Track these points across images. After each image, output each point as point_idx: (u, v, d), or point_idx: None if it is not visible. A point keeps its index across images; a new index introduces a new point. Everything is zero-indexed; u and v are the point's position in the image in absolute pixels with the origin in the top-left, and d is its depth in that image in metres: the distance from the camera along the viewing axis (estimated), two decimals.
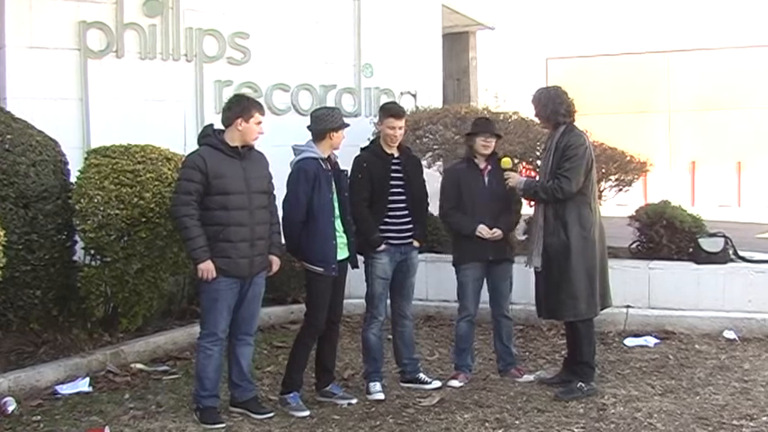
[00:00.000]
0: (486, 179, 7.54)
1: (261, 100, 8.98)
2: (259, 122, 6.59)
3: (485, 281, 7.68)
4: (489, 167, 7.55)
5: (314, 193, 6.75)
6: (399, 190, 7.30)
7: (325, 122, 6.92)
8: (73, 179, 7.99)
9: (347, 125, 6.99)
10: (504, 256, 7.58)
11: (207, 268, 6.41)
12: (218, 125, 6.70)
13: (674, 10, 25.14)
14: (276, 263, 6.83)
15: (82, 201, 7.63)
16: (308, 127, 6.98)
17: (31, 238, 7.58)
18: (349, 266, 7.12)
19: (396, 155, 7.35)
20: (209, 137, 6.62)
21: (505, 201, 7.51)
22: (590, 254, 7.11)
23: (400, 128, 7.34)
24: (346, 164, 7.19)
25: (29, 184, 7.60)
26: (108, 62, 9.75)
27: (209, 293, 6.54)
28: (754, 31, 24.51)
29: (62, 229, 7.87)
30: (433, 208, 7.99)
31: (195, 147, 6.69)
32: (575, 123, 7.29)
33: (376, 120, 10.30)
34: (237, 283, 6.55)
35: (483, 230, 7.43)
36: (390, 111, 7.36)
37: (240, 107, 6.61)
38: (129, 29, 9.86)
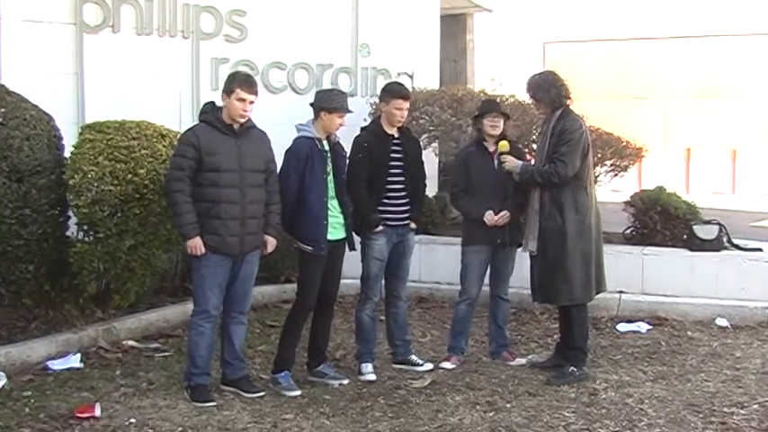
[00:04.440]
0: (496, 162, 7.49)
1: (257, 78, 8.94)
2: (241, 99, 6.45)
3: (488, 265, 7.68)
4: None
5: (306, 172, 6.73)
6: (398, 171, 7.27)
7: (319, 100, 6.90)
8: (67, 154, 7.95)
9: (344, 110, 6.88)
10: (511, 239, 7.53)
11: (195, 245, 6.40)
12: (218, 102, 6.67)
13: None
14: (271, 243, 6.80)
15: (76, 176, 7.59)
16: (311, 103, 6.96)
17: (24, 212, 7.55)
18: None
19: (396, 135, 7.32)
20: (206, 113, 6.59)
21: (514, 184, 7.45)
22: (586, 238, 7.10)
23: (406, 109, 7.33)
24: (346, 143, 7.15)
25: (22, 158, 7.56)
26: (104, 37, 9.71)
27: (198, 270, 6.54)
28: (751, 19, 24.44)
29: (55, 204, 7.84)
30: (429, 190, 7.97)
31: (190, 124, 6.66)
32: (571, 108, 7.28)
33: (372, 100, 10.32)
34: (228, 260, 6.53)
35: (488, 217, 7.41)
36: (399, 92, 7.31)
37: (227, 83, 6.58)
38: (126, 4, 9.81)
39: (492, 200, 7.44)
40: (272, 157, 6.76)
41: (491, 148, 7.52)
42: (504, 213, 7.41)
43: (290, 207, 6.78)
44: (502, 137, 7.51)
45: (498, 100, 9.27)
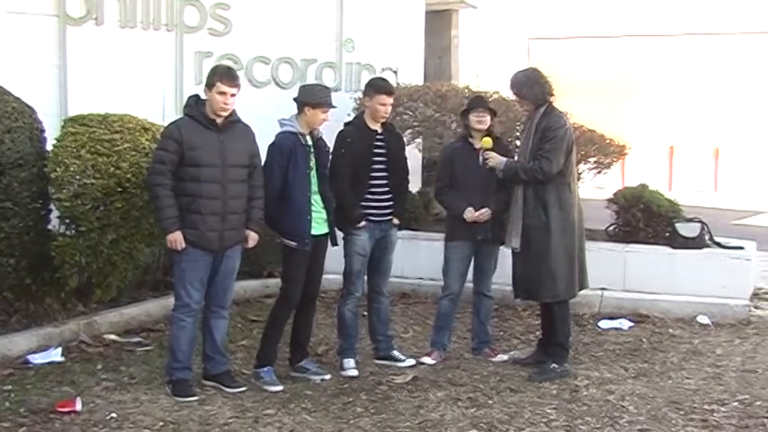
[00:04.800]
0: (481, 158, 7.48)
1: (241, 72, 8.91)
2: (222, 92, 6.42)
3: (472, 260, 7.68)
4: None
5: (289, 167, 6.71)
6: (381, 166, 7.26)
7: (302, 95, 6.88)
8: (49, 147, 7.91)
9: (328, 105, 6.86)
10: (493, 236, 7.51)
11: (175, 239, 6.39)
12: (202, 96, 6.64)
13: None
14: (253, 238, 6.78)
15: (58, 169, 7.56)
16: (294, 98, 6.94)
17: (5, 205, 7.49)
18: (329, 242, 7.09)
19: (379, 131, 7.31)
20: (190, 107, 6.56)
21: (499, 181, 7.43)
22: (569, 235, 7.12)
23: (390, 104, 7.33)
24: (329, 138, 7.14)
25: (4, 151, 7.49)
26: (87, 29, 9.64)
27: (179, 264, 6.53)
28: (735, 18, 24.57)
29: (37, 197, 7.78)
30: (412, 185, 7.97)
31: (173, 117, 6.64)
32: (554, 105, 7.29)
33: (356, 95, 10.30)
34: (208, 255, 6.52)
35: (467, 214, 7.41)
36: (384, 88, 7.30)
37: (208, 76, 6.56)
38: None
39: (476, 196, 7.44)
40: (257, 151, 6.73)
41: (477, 145, 7.51)
42: (485, 210, 7.41)
43: (273, 202, 6.76)
44: (488, 133, 7.51)
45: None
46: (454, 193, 7.58)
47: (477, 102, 7.74)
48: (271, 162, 6.76)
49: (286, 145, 6.74)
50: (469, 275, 7.75)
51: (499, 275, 7.84)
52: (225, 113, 6.49)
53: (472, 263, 7.68)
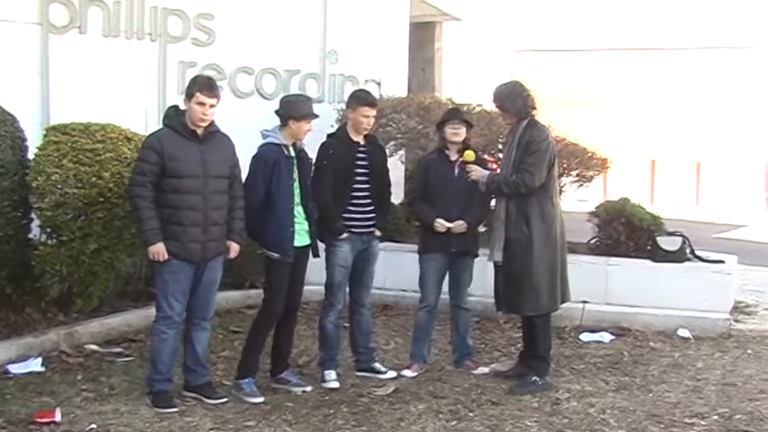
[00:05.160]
0: (456, 171, 7.49)
1: (224, 83, 8.88)
2: (201, 103, 6.39)
3: (447, 272, 7.68)
4: (460, 159, 7.51)
5: (273, 178, 6.71)
6: (364, 178, 7.26)
7: (285, 109, 6.87)
8: (31, 156, 7.87)
9: (312, 116, 6.87)
10: (467, 248, 7.56)
11: (157, 251, 6.37)
12: (183, 106, 6.62)
13: (640, 9, 25.34)
14: (234, 249, 6.77)
15: (39, 178, 7.53)
16: (276, 111, 6.93)
17: None
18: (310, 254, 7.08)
19: (362, 143, 7.31)
20: (170, 118, 6.54)
21: (475, 193, 7.43)
22: (552, 248, 7.12)
23: (373, 116, 7.33)
24: (312, 150, 7.14)
25: None
26: (70, 38, 9.59)
27: (161, 276, 6.51)
28: (717, 33, 24.76)
29: (18, 206, 7.74)
30: (395, 197, 7.97)
31: (156, 127, 6.62)
32: (537, 118, 7.31)
33: (339, 106, 10.31)
34: (191, 266, 6.50)
35: (439, 225, 7.42)
36: (366, 100, 7.31)
37: (188, 87, 6.55)
38: (93, 5, 9.69)
39: (450, 208, 7.45)
40: (237, 161, 6.72)
41: (453, 157, 7.52)
42: (461, 222, 7.42)
43: (255, 213, 6.75)
44: (465, 146, 7.52)
45: (465, 109, 9.30)
46: (426, 204, 7.58)
47: (453, 114, 7.77)
48: (254, 173, 6.76)
49: (270, 156, 6.74)
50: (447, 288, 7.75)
51: (480, 288, 7.85)
52: (204, 124, 6.48)
53: (449, 276, 7.68)
